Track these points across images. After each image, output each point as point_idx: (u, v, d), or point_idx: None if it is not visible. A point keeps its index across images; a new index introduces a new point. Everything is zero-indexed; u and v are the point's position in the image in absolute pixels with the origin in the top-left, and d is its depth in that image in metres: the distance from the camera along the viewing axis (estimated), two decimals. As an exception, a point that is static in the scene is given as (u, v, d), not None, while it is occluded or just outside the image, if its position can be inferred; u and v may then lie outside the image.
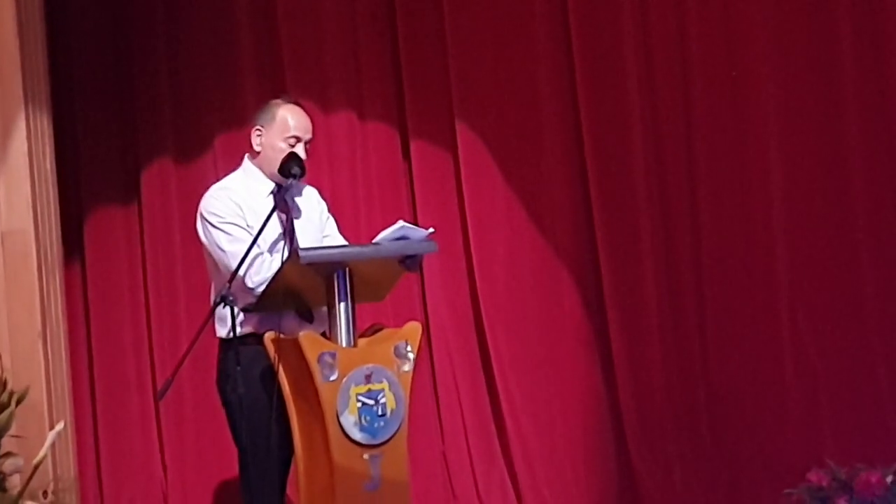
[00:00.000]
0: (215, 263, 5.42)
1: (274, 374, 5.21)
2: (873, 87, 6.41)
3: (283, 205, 5.42)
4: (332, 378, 5.16)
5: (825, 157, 6.50)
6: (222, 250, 5.35)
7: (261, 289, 5.24)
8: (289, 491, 5.50)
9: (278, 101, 5.60)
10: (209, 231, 5.40)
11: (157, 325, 6.97)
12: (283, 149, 5.44)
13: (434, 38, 6.85)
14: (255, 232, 5.29)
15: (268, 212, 5.32)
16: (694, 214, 6.66)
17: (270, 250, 5.36)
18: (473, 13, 6.80)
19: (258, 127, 5.50)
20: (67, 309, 6.33)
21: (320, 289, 5.27)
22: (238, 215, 5.38)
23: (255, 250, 5.22)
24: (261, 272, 5.26)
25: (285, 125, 5.46)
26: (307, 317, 5.39)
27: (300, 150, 5.44)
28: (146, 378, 6.99)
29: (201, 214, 5.44)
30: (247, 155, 5.53)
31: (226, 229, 5.36)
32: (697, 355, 6.64)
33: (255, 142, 5.50)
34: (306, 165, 5.44)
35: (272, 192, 5.47)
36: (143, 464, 6.97)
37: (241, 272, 5.17)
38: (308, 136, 5.50)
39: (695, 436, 6.62)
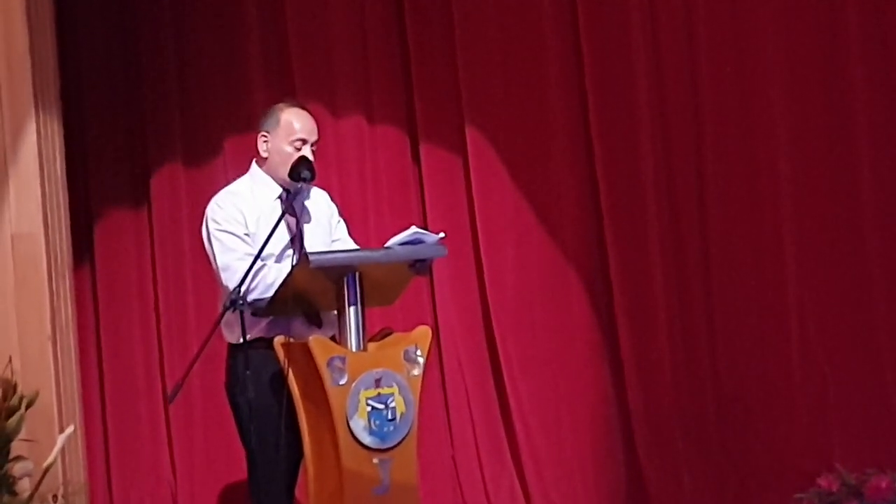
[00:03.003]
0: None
1: (283, 378, 5.22)
2: (882, 86, 6.41)
3: (292, 210, 5.43)
4: (342, 382, 5.16)
5: (834, 158, 6.49)
6: (214, 260, 5.38)
7: (253, 297, 5.25)
8: (298, 495, 5.50)
9: (281, 104, 5.59)
10: (209, 238, 5.44)
11: (167, 328, 6.97)
12: (290, 152, 5.44)
13: (443, 41, 6.85)
14: (252, 241, 5.32)
15: (275, 217, 5.33)
16: (703, 218, 6.66)
17: (279, 256, 5.36)
18: (483, 17, 6.80)
19: (263, 132, 5.50)
20: (77, 312, 6.34)
21: (330, 293, 5.27)
22: (238, 222, 5.38)
23: (257, 263, 5.21)
24: (252, 286, 5.26)
25: (290, 128, 5.46)
26: (316, 321, 5.39)
27: (307, 151, 5.45)
28: (156, 381, 7.00)
29: (205, 219, 5.47)
30: (254, 160, 5.55)
31: (221, 238, 5.38)
32: (706, 359, 6.64)
33: (262, 148, 5.50)
34: (315, 168, 5.45)
35: (279, 197, 5.48)
36: (152, 467, 6.97)
37: (242, 287, 5.17)
38: (314, 137, 5.50)
39: (704, 440, 6.61)
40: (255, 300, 5.25)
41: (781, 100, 6.53)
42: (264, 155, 5.50)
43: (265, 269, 5.30)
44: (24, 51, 5.95)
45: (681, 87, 6.67)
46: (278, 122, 5.48)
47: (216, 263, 5.39)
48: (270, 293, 5.23)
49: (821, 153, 6.50)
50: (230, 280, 5.27)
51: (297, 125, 5.47)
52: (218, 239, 5.39)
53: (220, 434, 6.52)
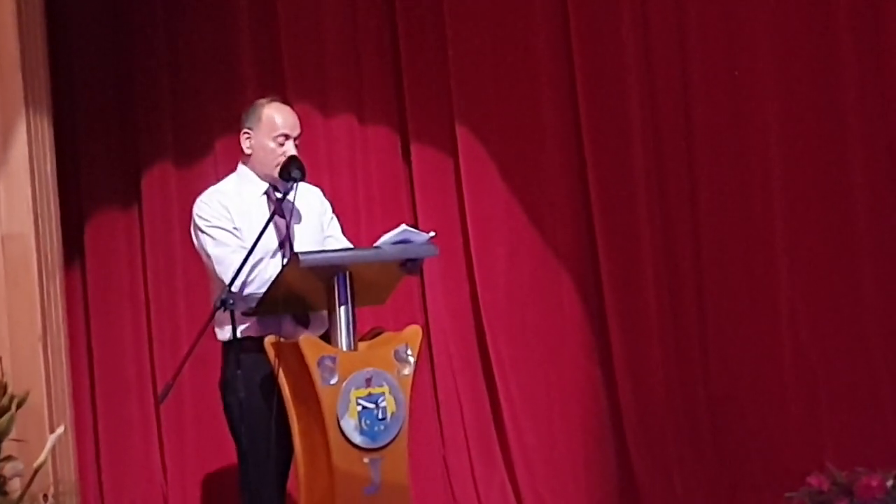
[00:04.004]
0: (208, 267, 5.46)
1: (274, 378, 5.21)
2: (874, 87, 6.41)
3: (282, 211, 5.42)
4: (333, 382, 5.16)
5: (825, 159, 6.49)
6: (207, 255, 5.39)
7: (248, 292, 5.25)
8: (290, 491, 5.50)
9: (262, 100, 5.60)
10: (197, 234, 5.45)
11: (158, 328, 6.96)
12: (273, 148, 5.45)
13: (434, 41, 6.85)
14: (241, 234, 5.33)
15: (261, 213, 5.35)
16: (694, 217, 6.66)
17: (269, 258, 5.36)
18: (474, 16, 6.79)
19: (246, 129, 5.51)
20: (68, 312, 6.34)
21: (321, 292, 5.27)
22: (225, 218, 5.39)
23: (251, 258, 5.22)
24: (247, 279, 5.27)
25: (272, 124, 5.47)
26: (304, 322, 5.39)
27: (290, 146, 5.45)
28: (146, 381, 6.99)
29: (193, 218, 5.47)
30: (241, 159, 5.55)
31: (211, 233, 5.39)
32: (698, 359, 6.64)
33: (245, 145, 5.51)
34: (304, 166, 5.45)
35: (265, 193, 5.48)
36: (143, 467, 6.96)
37: (237, 282, 5.17)
38: (296, 131, 5.51)
39: (695, 439, 6.61)
40: (250, 294, 5.25)
41: (773, 99, 6.52)
42: (248, 152, 5.51)
43: (262, 264, 5.31)
44: (14, 50, 5.94)
45: (672, 86, 6.67)
46: (260, 118, 5.49)
47: (210, 258, 5.39)
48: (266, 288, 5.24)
49: (813, 154, 6.50)
50: (225, 273, 5.27)
51: (278, 120, 5.48)
52: (209, 234, 5.40)
53: (211, 434, 6.51)
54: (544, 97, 6.79)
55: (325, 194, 5.74)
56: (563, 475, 6.73)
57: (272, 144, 5.45)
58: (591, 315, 6.77)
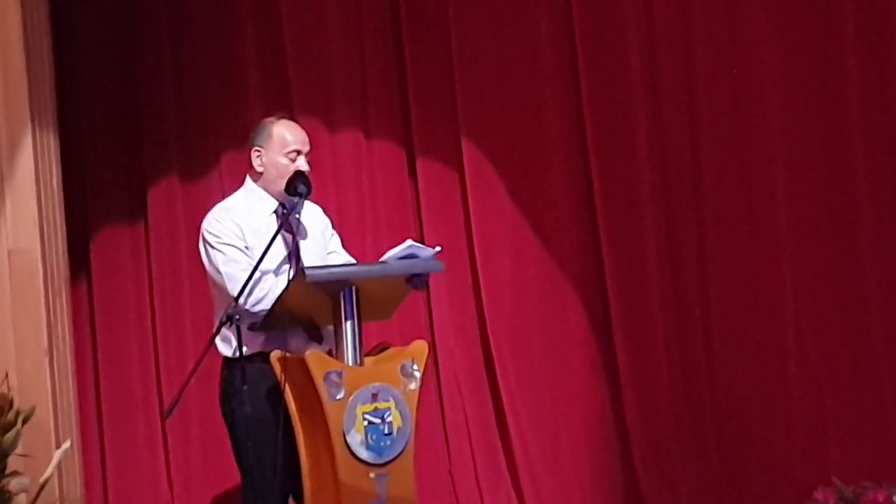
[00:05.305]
0: (216, 282, 5.45)
1: (280, 393, 5.21)
2: (876, 87, 6.42)
3: (289, 225, 5.43)
4: (339, 397, 5.16)
5: (830, 167, 6.50)
6: (219, 271, 5.39)
7: (259, 308, 5.25)
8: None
9: (271, 118, 5.62)
10: (208, 251, 5.45)
11: (164, 343, 6.96)
12: (286, 164, 5.46)
13: (440, 55, 6.86)
14: (252, 253, 5.32)
15: (271, 231, 5.34)
16: (700, 231, 6.67)
17: (275, 272, 5.37)
18: (479, 31, 6.80)
19: (257, 148, 5.52)
20: (74, 327, 6.34)
21: (327, 307, 5.27)
22: (237, 236, 5.40)
23: (256, 273, 5.22)
24: (260, 296, 5.27)
25: (283, 141, 5.49)
26: (316, 336, 5.39)
27: (302, 162, 5.47)
28: (152, 396, 6.98)
29: (202, 234, 5.48)
30: (248, 175, 5.56)
31: (223, 250, 5.39)
32: (703, 373, 6.64)
33: (256, 163, 5.52)
34: (310, 179, 5.46)
35: (275, 211, 5.49)
36: (149, 482, 6.95)
37: (242, 297, 5.18)
38: (307, 147, 5.53)
39: (701, 454, 6.61)
40: (258, 312, 5.25)
41: (776, 106, 6.54)
42: (259, 170, 5.51)
43: (271, 281, 5.31)
44: (20, 66, 5.95)
45: (677, 101, 6.68)
46: (270, 135, 5.50)
47: (221, 274, 5.38)
48: (270, 296, 5.24)
49: (817, 162, 6.52)
50: (235, 290, 5.27)
51: (289, 137, 5.50)
52: (220, 251, 5.40)
53: (216, 449, 6.50)
54: (550, 111, 6.80)
55: (324, 211, 5.75)
56: (570, 490, 6.72)
57: (284, 161, 5.47)
58: (597, 330, 6.77)
